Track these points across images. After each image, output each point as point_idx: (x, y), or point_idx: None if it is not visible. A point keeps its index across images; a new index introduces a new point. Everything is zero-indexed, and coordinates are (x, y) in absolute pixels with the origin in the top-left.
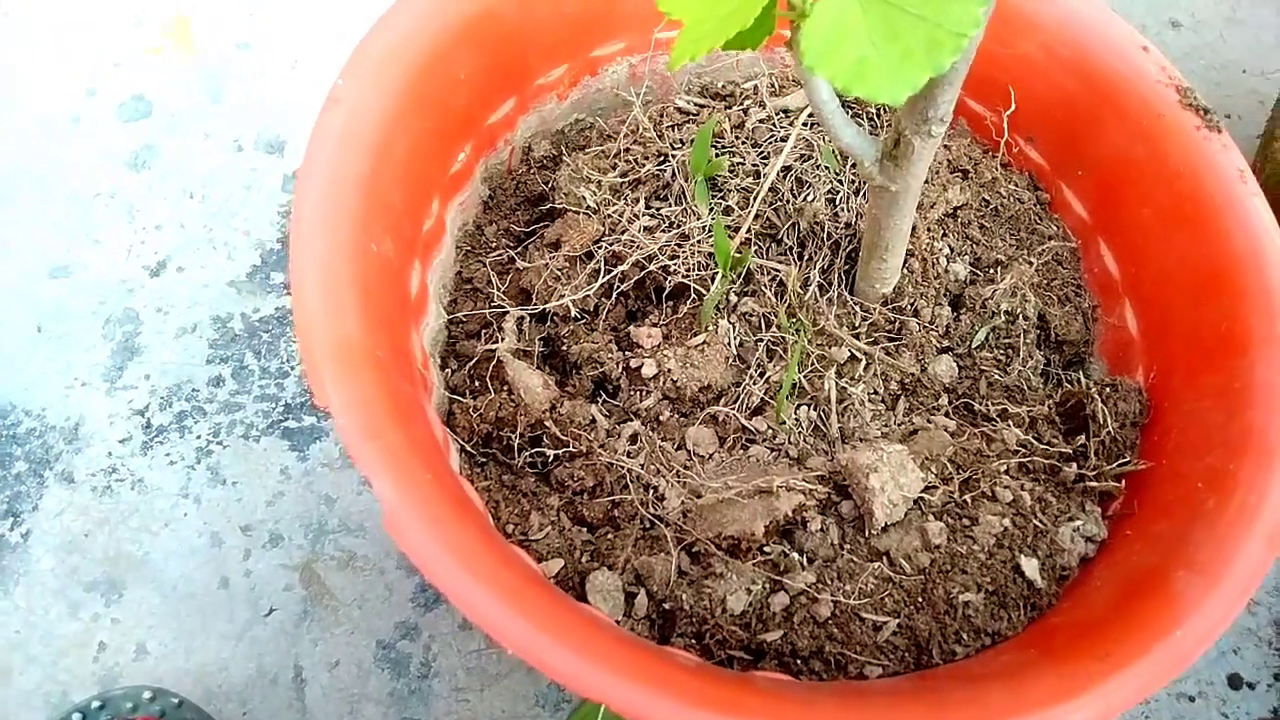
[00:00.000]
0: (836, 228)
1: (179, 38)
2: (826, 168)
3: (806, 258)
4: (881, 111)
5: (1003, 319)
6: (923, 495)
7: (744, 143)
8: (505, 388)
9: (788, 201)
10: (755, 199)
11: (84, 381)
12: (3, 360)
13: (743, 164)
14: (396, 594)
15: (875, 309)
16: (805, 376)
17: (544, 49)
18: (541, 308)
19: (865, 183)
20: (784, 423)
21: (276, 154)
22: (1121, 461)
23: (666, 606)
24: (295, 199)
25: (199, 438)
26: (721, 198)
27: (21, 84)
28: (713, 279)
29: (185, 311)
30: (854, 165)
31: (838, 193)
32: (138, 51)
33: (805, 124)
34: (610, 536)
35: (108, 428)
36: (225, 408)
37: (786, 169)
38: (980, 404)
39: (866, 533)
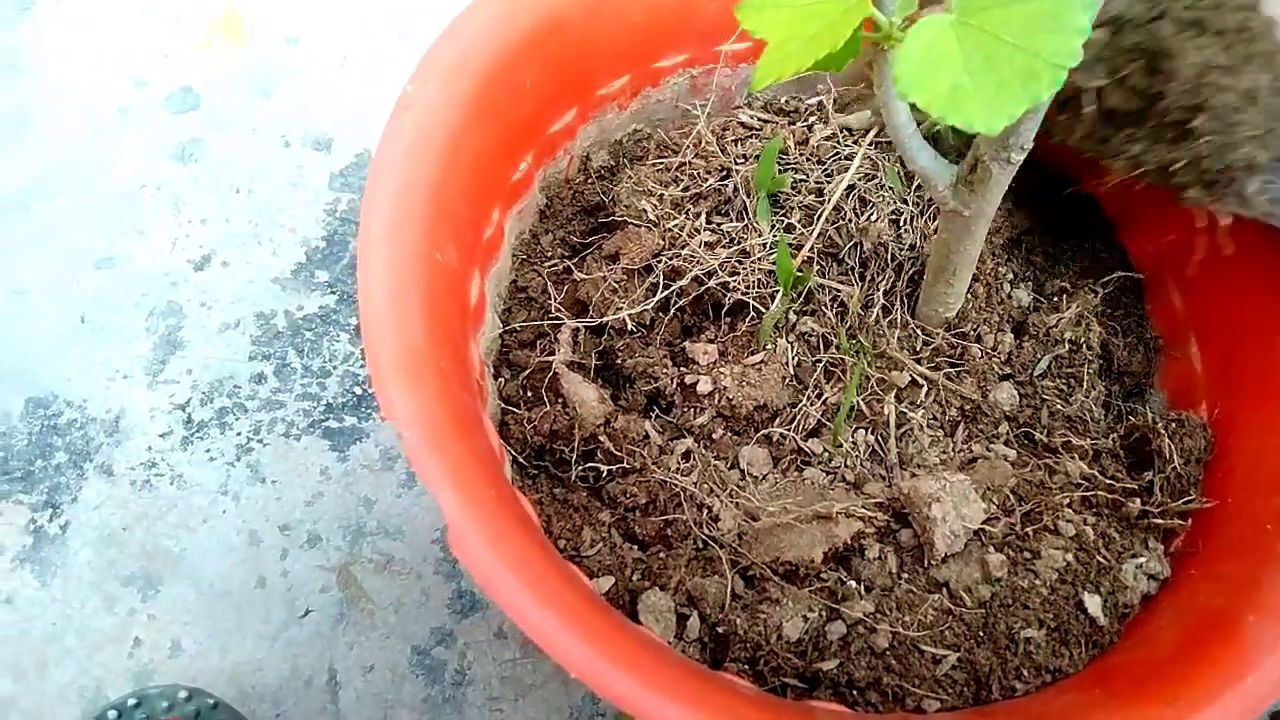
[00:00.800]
0: (900, 249)
1: (229, 32)
2: (890, 188)
3: (869, 279)
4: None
5: (1066, 347)
6: (984, 526)
7: (808, 159)
8: (559, 400)
9: (850, 221)
10: (819, 217)
11: (125, 374)
12: (45, 350)
13: (805, 181)
14: (433, 599)
15: (937, 333)
16: (864, 400)
17: (607, 59)
18: (599, 321)
19: (934, 206)
20: (840, 445)
21: (324, 151)
22: (1187, 499)
23: (720, 630)
24: (364, 205)
25: (239, 434)
26: (784, 215)
27: (71, 74)
28: (772, 297)
29: (229, 307)
30: (920, 187)
31: (902, 214)
32: (187, 44)
33: (871, 143)
34: (663, 555)
35: (148, 421)
36: (266, 405)
37: (850, 188)
38: (1041, 434)
39: (926, 563)
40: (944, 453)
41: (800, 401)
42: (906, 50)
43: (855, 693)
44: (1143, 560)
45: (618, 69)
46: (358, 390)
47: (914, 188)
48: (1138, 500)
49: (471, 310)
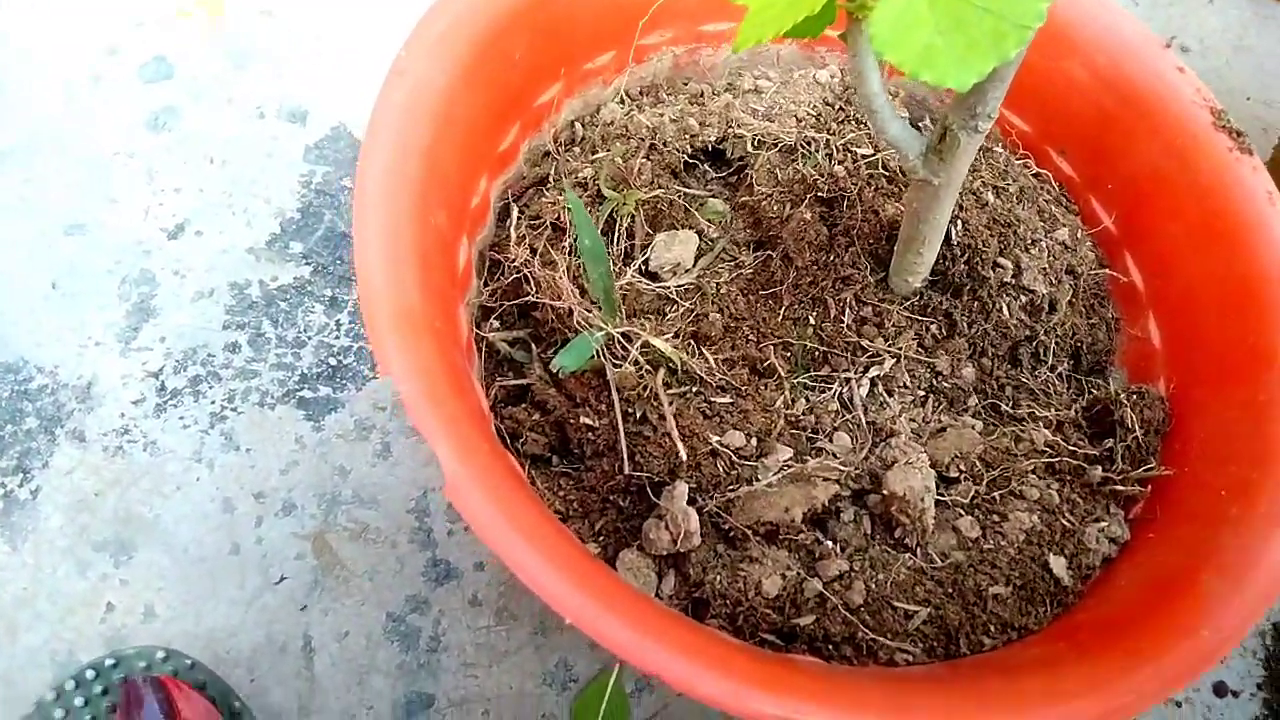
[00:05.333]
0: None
1: (204, 2)
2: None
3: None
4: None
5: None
6: (955, 495)
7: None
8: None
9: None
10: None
11: (98, 341)
12: (16, 316)
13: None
14: (408, 567)
15: (907, 302)
16: (837, 369)
17: (594, 34)
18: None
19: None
20: (811, 409)
21: (298, 123)
22: (1146, 467)
23: (699, 588)
24: (360, 167)
25: (213, 403)
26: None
27: (41, 40)
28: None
29: (202, 276)
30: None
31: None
32: (161, 13)
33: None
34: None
35: (121, 388)
36: (240, 374)
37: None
38: (1007, 405)
39: (897, 532)
40: (913, 420)
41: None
42: (881, 12)
43: (830, 647)
44: (1104, 524)
45: (604, 44)
46: (332, 361)
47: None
48: (1099, 468)
49: (460, 275)
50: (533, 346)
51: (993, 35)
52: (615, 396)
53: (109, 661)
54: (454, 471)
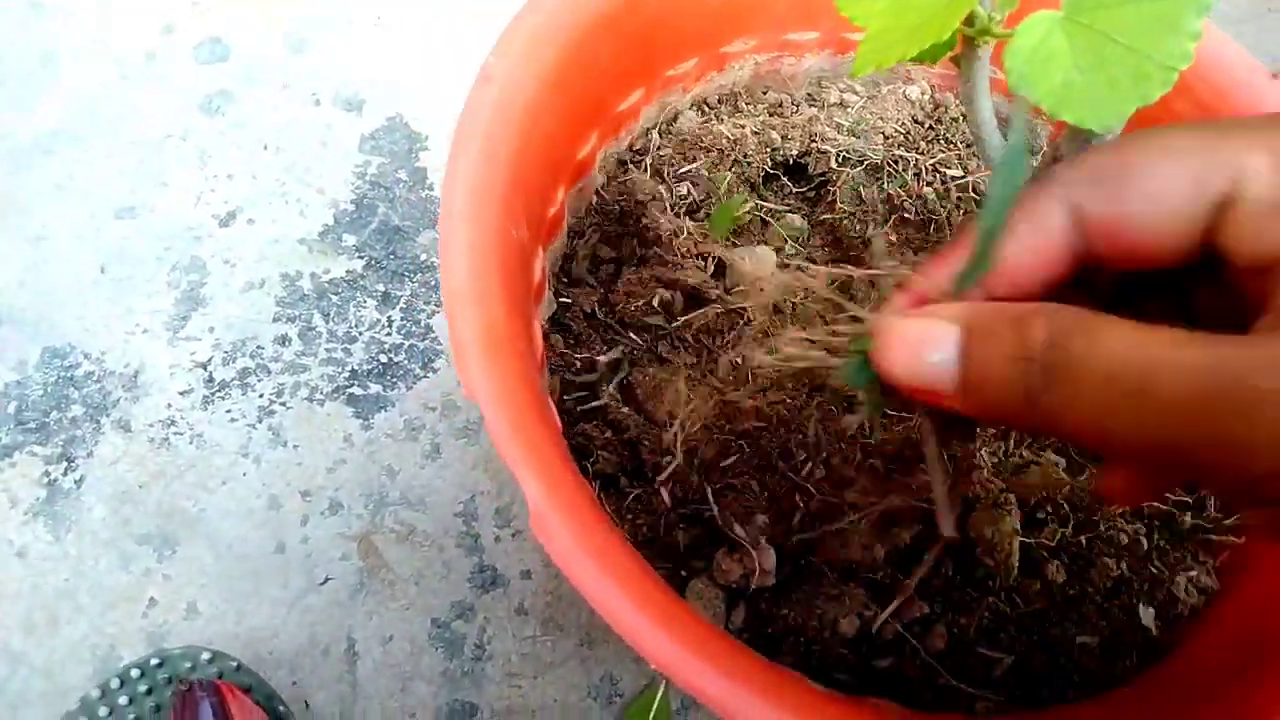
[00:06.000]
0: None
1: None
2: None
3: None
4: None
5: None
6: (1040, 538)
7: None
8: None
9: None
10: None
11: (145, 328)
12: (64, 299)
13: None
14: (454, 572)
15: None
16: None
17: (679, 40)
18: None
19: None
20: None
21: (354, 112)
22: (1238, 516)
23: (769, 622)
24: (446, 178)
25: (261, 396)
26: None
27: (96, 16)
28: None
29: (253, 265)
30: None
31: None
32: None
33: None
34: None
35: (168, 378)
36: (290, 368)
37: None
38: None
39: (978, 575)
40: (994, 455)
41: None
42: (1016, 46)
43: (908, 691)
44: (1194, 573)
45: (688, 51)
46: (383, 358)
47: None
48: (1189, 514)
49: (535, 288)
50: (622, 365)
51: (1135, 75)
52: (696, 419)
53: (154, 661)
54: (540, 505)
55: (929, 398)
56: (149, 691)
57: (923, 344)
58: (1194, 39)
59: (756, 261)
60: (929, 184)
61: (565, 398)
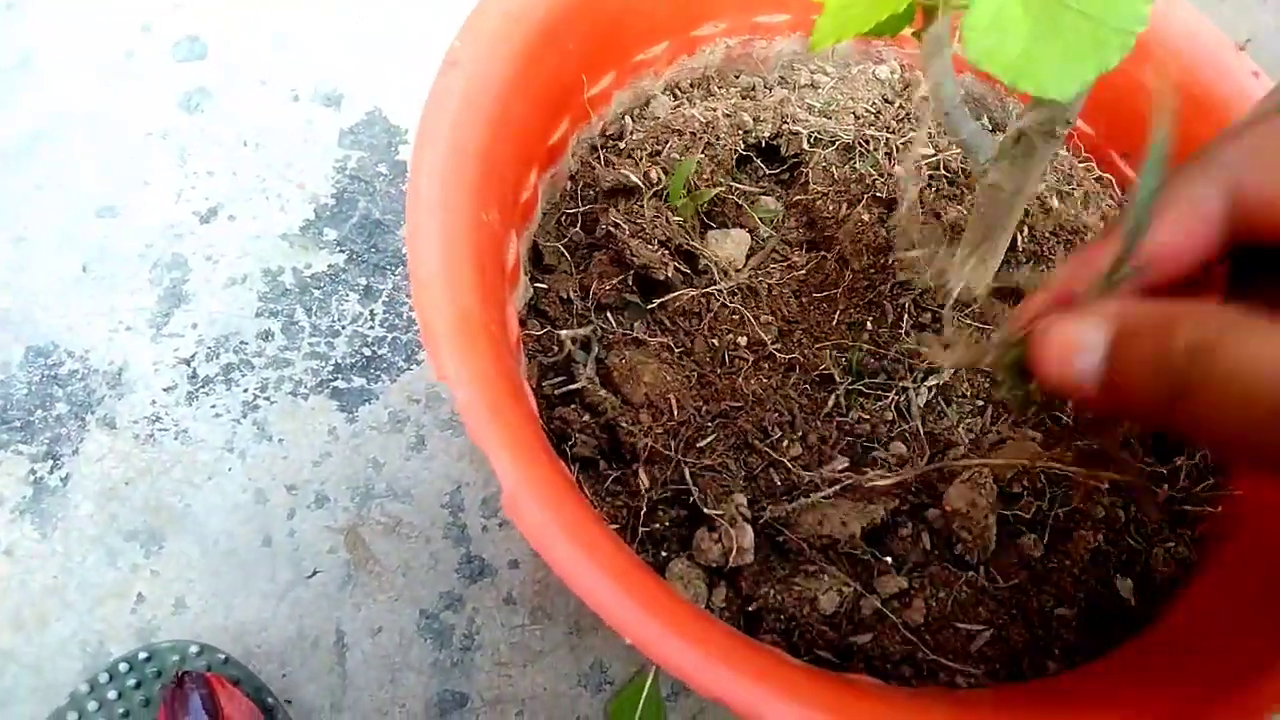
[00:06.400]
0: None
1: None
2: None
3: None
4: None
5: None
6: (1016, 510)
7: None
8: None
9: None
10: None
11: (129, 326)
12: (47, 299)
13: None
14: (442, 563)
15: (969, 309)
16: (894, 376)
17: (649, 24)
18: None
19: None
20: (868, 418)
21: (333, 107)
22: (1216, 487)
23: (750, 601)
24: (414, 162)
25: (246, 391)
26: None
27: (74, 16)
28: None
29: (235, 261)
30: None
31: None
32: None
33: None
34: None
35: (152, 375)
36: (274, 363)
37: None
38: (1069, 417)
39: (956, 550)
40: (971, 431)
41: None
42: (974, 18)
43: (889, 666)
44: (1172, 545)
45: (658, 35)
46: (366, 351)
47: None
48: (1165, 486)
49: (509, 272)
50: (592, 345)
51: (1093, 42)
52: (673, 398)
53: (142, 655)
54: (513, 486)
55: (1076, 395)
56: (138, 685)
57: (1073, 347)
58: (1148, 2)
59: (731, 245)
60: (899, 162)
61: (543, 383)
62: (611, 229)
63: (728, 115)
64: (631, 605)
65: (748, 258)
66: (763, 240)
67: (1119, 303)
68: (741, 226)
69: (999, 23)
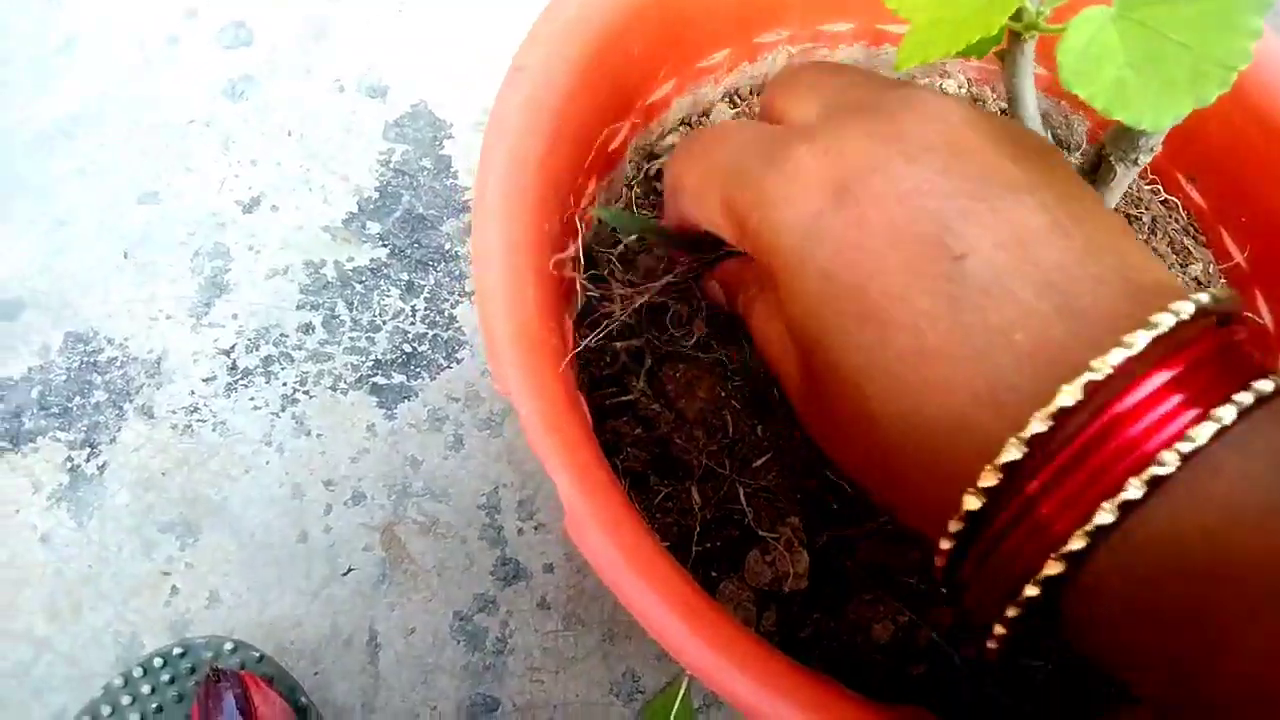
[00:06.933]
0: None
1: None
2: None
3: None
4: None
5: None
6: None
7: None
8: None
9: None
10: None
11: (169, 314)
12: (88, 284)
13: None
14: (477, 565)
15: None
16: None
17: (712, 31)
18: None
19: None
20: None
21: (379, 99)
22: None
23: (801, 626)
24: (480, 170)
25: (285, 385)
26: None
27: (121, 0)
28: None
29: (277, 252)
30: None
31: None
32: None
33: None
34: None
35: (191, 365)
36: (314, 357)
37: None
38: None
39: None
40: None
41: None
42: (1068, 43)
43: (945, 699)
44: None
45: (720, 41)
46: (407, 348)
47: None
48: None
49: (567, 283)
50: (645, 357)
51: (1191, 75)
52: (728, 415)
53: (177, 650)
54: (575, 505)
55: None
56: (172, 681)
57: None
58: (1253, 37)
59: None
60: None
61: (594, 393)
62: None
63: None
64: (690, 634)
65: None
66: None
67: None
68: None
69: (1093, 49)
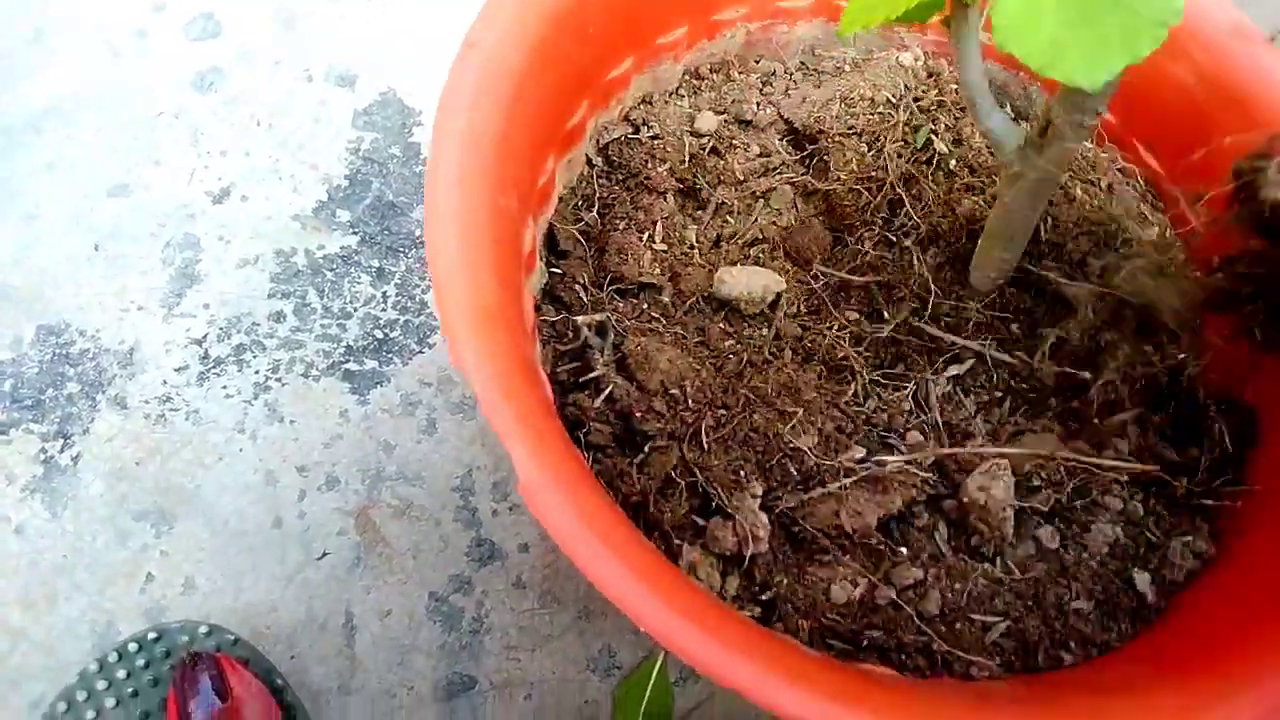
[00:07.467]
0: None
1: None
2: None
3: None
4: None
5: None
6: (1034, 502)
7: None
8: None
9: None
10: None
11: (140, 305)
12: (58, 277)
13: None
14: (452, 547)
15: (987, 299)
16: (911, 367)
17: (669, 8)
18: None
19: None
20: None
21: (347, 87)
22: (1233, 482)
23: (763, 590)
24: (432, 146)
25: (257, 373)
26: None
27: None
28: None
29: (247, 242)
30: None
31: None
32: None
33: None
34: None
35: (163, 355)
36: (285, 344)
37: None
38: (1089, 410)
39: (974, 539)
40: (989, 422)
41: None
42: (1004, 3)
43: (903, 657)
44: (1189, 539)
45: (678, 18)
46: (378, 334)
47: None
48: (1184, 479)
49: (525, 257)
50: (608, 331)
51: (1124, 31)
52: (689, 387)
53: (151, 634)
54: (529, 473)
55: None
56: (147, 665)
57: None
58: None
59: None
60: (920, 150)
61: (558, 369)
62: (630, 212)
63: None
64: (650, 598)
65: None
66: (775, 215)
67: None
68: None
69: (1029, 9)
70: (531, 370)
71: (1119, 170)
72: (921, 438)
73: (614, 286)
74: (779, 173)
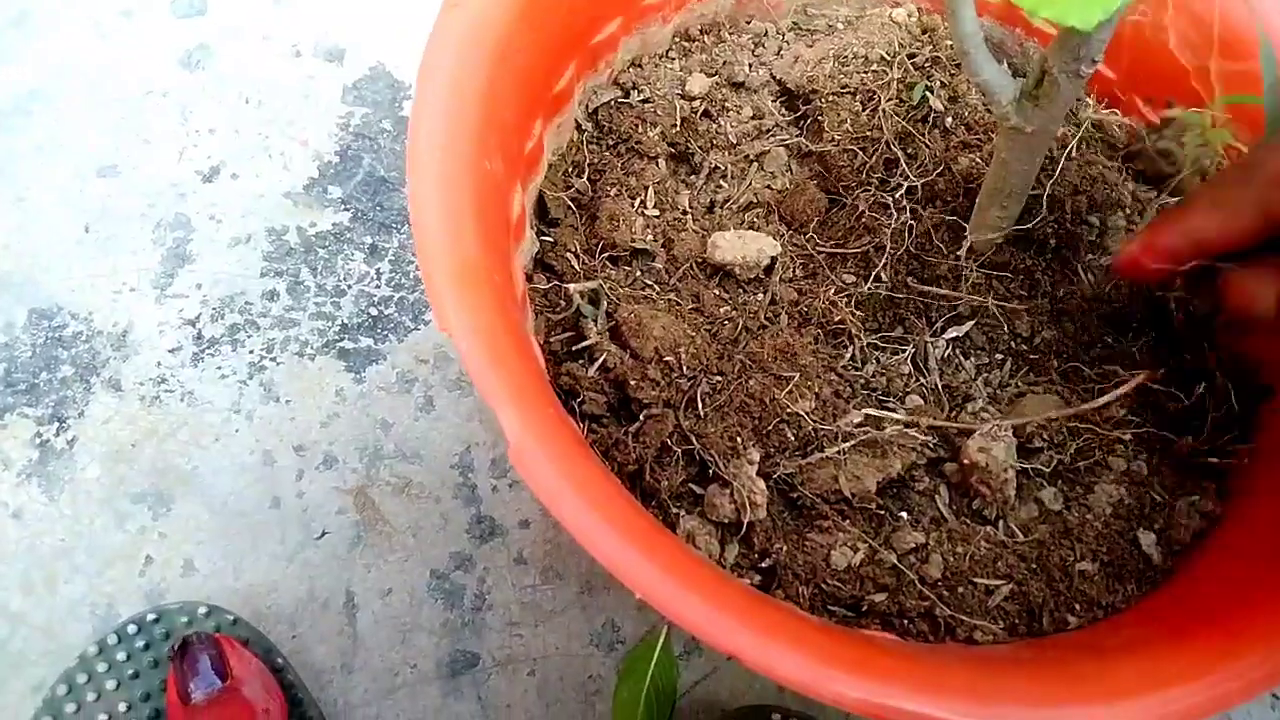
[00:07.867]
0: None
1: None
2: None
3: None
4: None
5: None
6: (1037, 464)
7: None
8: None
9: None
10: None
11: (132, 287)
12: (49, 260)
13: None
14: (452, 524)
15: (985, 258)
16: (910, 329)
17: None
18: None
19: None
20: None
21: (336, 63)
22: (1240, 440)
23: (763, 557)
24: (414, 109)
25: (252, 352)
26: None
27: None
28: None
29: (239, 221)
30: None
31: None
32: None
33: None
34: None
35: (157, 336)
36: (279, 323)
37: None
38: (1091, 370)
39: (974, 505)
40: (989, 384)
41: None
42: None
43: (906, 622)
44: (1196, 499)
45: None
46: (373, 311)
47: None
48: (1189, 438)
49: (514, 224)
50: (601, 299)
51: None
52: (683, 353)
53: (150, 616)
54: (518, 437)
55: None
56: (147, 647)
57: (1253, 297)
58: None
59: (747, 193)
60: (915, 108)
61: (550, 339)
62: (621, 177)
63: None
64: (643, 561)
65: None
66: (769, 178)
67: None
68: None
69: None
70: (521, 337)
71: (1119, 127)
72: (921, 401)
73: (606, 254)
74: (772, 135)
